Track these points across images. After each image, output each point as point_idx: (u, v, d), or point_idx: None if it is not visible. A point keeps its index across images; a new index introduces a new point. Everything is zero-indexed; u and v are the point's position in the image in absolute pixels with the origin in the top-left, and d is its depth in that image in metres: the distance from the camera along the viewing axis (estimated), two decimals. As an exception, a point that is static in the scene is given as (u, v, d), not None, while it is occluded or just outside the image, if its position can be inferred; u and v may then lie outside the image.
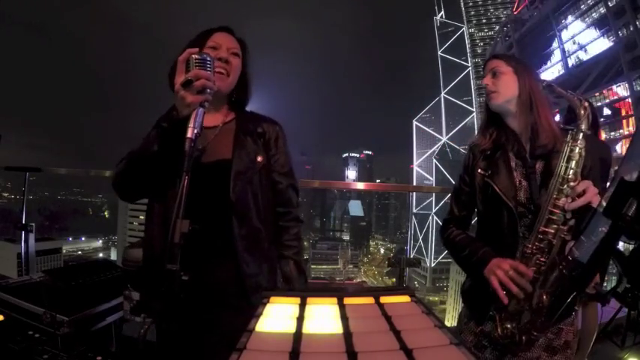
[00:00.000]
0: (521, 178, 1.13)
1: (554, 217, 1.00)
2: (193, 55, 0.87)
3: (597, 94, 32.80)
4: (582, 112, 1.01)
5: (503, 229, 1.12)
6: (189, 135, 0.82)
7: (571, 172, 1.00)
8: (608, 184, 1.07)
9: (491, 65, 1.19)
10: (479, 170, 1.19)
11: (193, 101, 0.87)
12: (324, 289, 0.83)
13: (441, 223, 1.33)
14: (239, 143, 1.07)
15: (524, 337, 1.03)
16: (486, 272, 1.07)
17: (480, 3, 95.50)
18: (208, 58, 0.88)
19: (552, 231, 1.00)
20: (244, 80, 1.14)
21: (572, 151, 1.01)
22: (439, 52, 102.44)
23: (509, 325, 1.05)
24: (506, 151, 1.16)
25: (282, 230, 1.15)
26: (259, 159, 1.08)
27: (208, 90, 0.88)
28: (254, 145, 1.09)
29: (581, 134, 1.01)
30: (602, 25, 34.15)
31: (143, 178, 0.99)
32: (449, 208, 1.30)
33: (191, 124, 0.83)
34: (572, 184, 0.99)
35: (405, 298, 0.72)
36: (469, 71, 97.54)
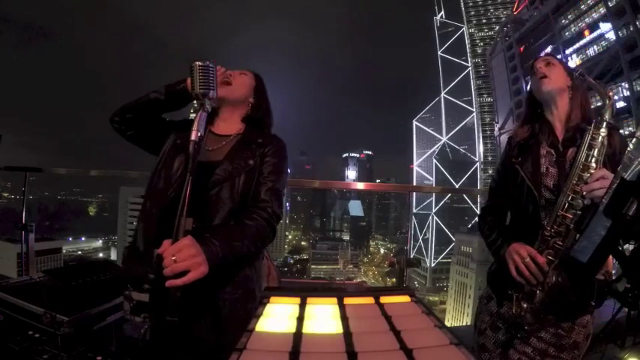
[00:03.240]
0: (549, 165, 1.15)
1: (574, 203, 1.03)
2: (197, 63, 0.92)
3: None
4: (607, 101, 1.05)
5: (527, 215, 1.15)
6: (193, 137, 0.87)
7: (593, 159, 1.03)
8: None
9: (544, 59, 1.24)
10: (512, 159, 1.23)
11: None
12: (324, 289, 0.83)
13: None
14: (235, 147, 1.16)
15: (531, 318, 1.07)
16: (505, 256, 1.12)
17: (479, 3, 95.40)
18: (210, 65, 0.93)
19: (570, 216, 1.03)
20: (259, 100, 1.27)
21: (593, 139, 1.04)
22: (439, 52, 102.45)
23: (524, 305, 1.09)
24: (538, 140, 1.20)
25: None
26: (250, 162, 1.13)
27: (210, 94, 0.93)
28: (249, 151, 1.15)
29: (605, 123, 1.04)
30: (602, 25, 34.13)
31: (137, 114, 1.15)
32: (487, 198, 1.37)
33: (195, 127, 0.88)
34: (592, 171, 1.02)
35: (405, 298, 0.72)
36: (469, 71, 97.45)
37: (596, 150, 1.03)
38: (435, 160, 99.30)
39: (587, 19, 36.12)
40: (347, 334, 0.55)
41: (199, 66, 0.91)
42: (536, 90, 1.23)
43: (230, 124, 1.22)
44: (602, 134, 1.04)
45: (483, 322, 1.25)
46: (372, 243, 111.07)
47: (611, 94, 1.06)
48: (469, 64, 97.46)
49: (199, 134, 0.88)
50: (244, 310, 1.07)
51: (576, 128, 1.14)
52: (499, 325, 1.20)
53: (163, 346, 1.05)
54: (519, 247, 1.10)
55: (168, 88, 1.12)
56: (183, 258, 0.83)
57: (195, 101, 0.98)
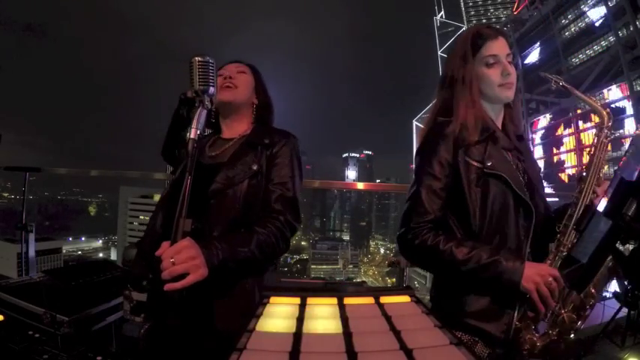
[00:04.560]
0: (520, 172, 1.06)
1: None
2: (196, 58, 0.90)
3: (597, 94, 32.79)
4: (606, 118, 1.04)
5: (509, 229, 0.99)
6: (192, 136, 0.85)
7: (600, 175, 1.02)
8: None
9: (507, 49, 1.04)
10: (470, 160, 0.99)
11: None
12: (324, 289, 0.83)
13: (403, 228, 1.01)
14: (238, 150, 1.11)
15: (561, 340, 0.94)
16: (526, 284, 0.90)
17: (479, 3, 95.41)
18: (210, 60, 0.91)
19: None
20: (263, 98, 1.23)
21: (605, 151, 1.03)
22: (439, 52, 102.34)
23: (534, 334, 0.96)
24: (496, 142, 1.02)
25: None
26: (254, 167, 1.07)
27: (210, 90, 0.91)
28: (254, 155, 1.10)
29: (607, 134, 1.03)
30: (602, 25, 34.12)
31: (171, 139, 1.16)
32: (415, 205, 1.00)
33: (194, 125, 0.85)
34: (600, 188, 1.01)
35: (405, 298, 0.72)
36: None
37: (606, 166, 1.03)
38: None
39: (587, 19, 36.08)
40: (347, 334, 0.55)
41: (199, 61, 0.89)
42: (495, 91, 1.04)
43: (236, 127, 1.19)
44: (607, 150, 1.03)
45: None
46: (372, 243, 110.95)
47: (608, 110, 1.04)
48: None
49: (198, 132, 0.86)
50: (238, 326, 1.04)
51: (518, 132, 1.12)
52: None
53: (162, 350, 1.04)
54: (538, 267, 0.92)
55: (179, 104, 1.06)
56: (182, 260, 0.80)
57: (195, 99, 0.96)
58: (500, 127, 1.10)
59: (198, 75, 0.89)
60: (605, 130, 1.04)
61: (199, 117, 0.88)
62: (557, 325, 0.94)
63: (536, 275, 0.90)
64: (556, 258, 0.97)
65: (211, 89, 0.90)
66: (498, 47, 1.03)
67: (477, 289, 0.97)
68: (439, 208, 1.00)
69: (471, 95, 1.03)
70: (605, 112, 1.04)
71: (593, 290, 0.96)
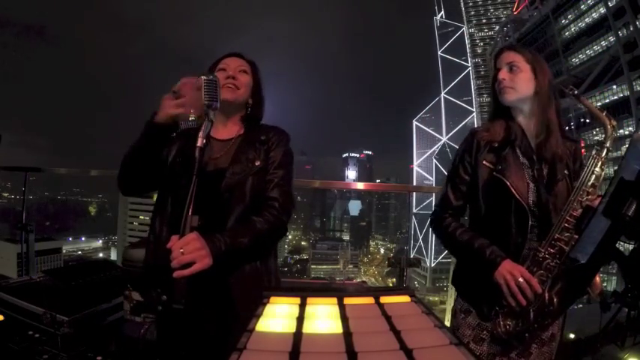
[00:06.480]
0: (528, 179, 1.13)
1: (569, 226, 1.04)
2: (202, 77, 1.00)
3: (597, 93, 32.80)
4: (610, 131, 1.07)
5: (510, 229, 1.11)
6: (198, 144, 0.96)
7: (590, 186, 1.05)
8: None
9: (509, 58, 1.16)
10: (484, 162, 1.16)
11: (168, 113, 1.02)
12: (324, 289, 0.83)
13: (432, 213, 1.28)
14: (240, 151, 1.18)
15: (527, 335, 1.07)
16: (497, 276, 1.06)
17: (479, 3, 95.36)
18: (214, 79, 1.01)
19: (565, 239, 1.04)
20: (258, 98, 1.27)
21: (595, 165, 1.05)
22: (439, 52, 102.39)
23: (510, 323, 1.07)
24: (514, 148, 1.15)
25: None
26: (257, 163, 1.16)
27: (214, 105, 0.99)
28: (254, 152, 1.18)
29: (605, 151, 1.06)
30: (602, 25, 34.13)
31: (136, 170, 1.12)
32: (442, 196, 1.24)
33: (200, 135, 0.97)
34: (590, 197, 1.04)
35: (405, 298, 0.72)
36: (469, 71, 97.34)
37: (594, 177, 1.05)
38: (435, 160, 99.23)
39: (587, 19, 36.10)
40: (347, 334, 0.55)
41: (205, 80, 0.99)
42: (501, 98, 1.18)
43: (230, 128, 1.24)
44: (603, 161, 1.06)
45: (465, 336, 1.17)
46: (372, 243, 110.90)
47: (614, 123, 1.07)
48: (469, 64, 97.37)
49: (204, 141, 0.96)
50: (250, 308, 1.06)
51: (554, 149, 1.13)
52: (483, 337, 1.15)
53: (169, 337, 1.07)
54: (512, 266, 1.05)
55: (146, 129, 1.06)
56: (190, 251, 0.90)
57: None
58: (534, 135, 1.16)
59: (205, 92, 0.98)
60: (607, 145, 1.06)
61: (205, 128, 0.98)
62: (519, 318, 1.06)
63: (507, 273, 1.04)
64: (535, 257, 1.06)
65: (214, 104, 1.00)
66: (500, 60, 1.19)
67: (483, 274, 1.10)
68: (459, 201, 1.21)
69: (492, 105, 1.23)
70: (610, 124, 1.07)
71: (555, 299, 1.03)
